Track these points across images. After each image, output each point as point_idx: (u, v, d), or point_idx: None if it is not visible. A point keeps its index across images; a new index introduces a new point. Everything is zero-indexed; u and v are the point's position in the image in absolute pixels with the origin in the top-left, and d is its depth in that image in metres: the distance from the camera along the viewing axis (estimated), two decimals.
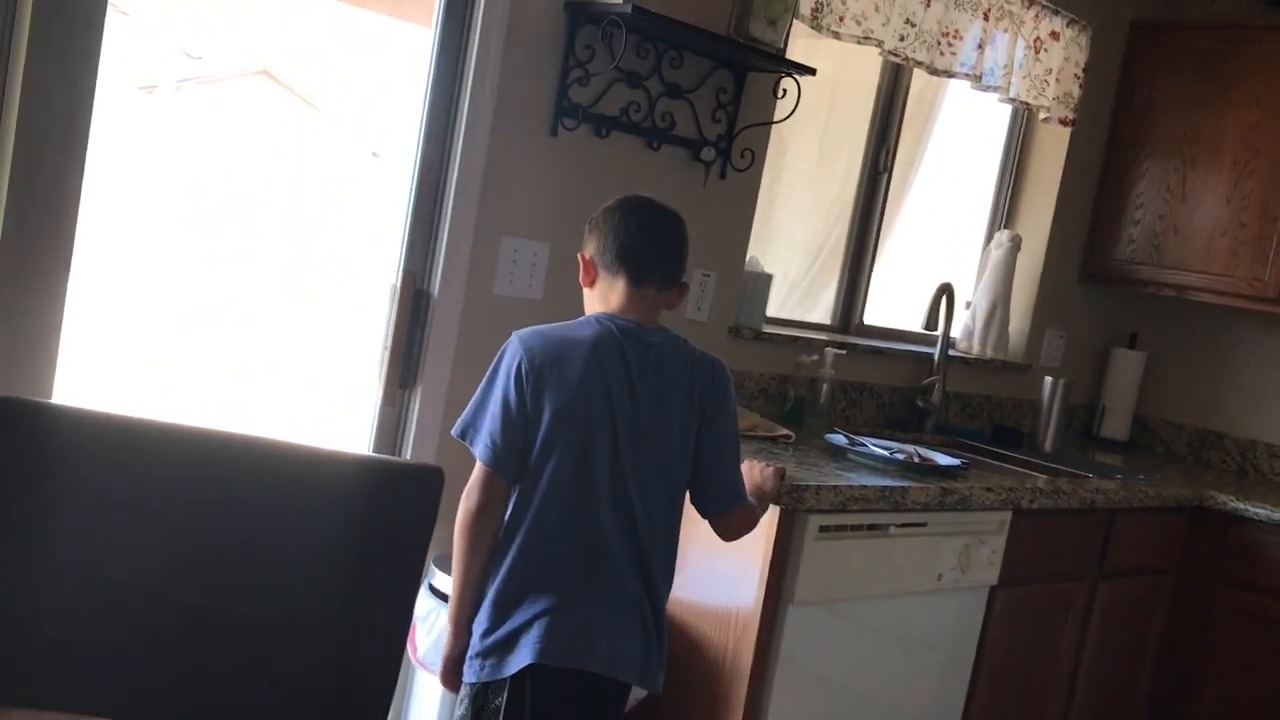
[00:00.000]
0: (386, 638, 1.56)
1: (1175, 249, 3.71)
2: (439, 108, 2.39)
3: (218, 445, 1.59)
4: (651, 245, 1.93)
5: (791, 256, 3.42)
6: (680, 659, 2.34)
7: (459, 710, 1.86)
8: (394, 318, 2.38)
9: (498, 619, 1.82)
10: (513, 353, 1.85)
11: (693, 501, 1.97)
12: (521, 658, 1.78)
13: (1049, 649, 2.97)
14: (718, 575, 2.34)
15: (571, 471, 1.82)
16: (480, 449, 1.84)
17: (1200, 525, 3.28)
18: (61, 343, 1.89)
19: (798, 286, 3.47)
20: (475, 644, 1.84)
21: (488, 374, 1.88)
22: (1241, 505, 3.21)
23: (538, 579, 1.82)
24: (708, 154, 2.76)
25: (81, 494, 1.53)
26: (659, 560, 1.90)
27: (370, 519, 1.55)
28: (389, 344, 2.39)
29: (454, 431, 1.88)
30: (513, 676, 1.77)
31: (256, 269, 2.60)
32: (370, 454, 1.56)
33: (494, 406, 1.84)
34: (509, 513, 1.85)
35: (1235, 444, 3.90)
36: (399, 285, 2.38)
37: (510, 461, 1.82)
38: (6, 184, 1.86)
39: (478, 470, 1.85)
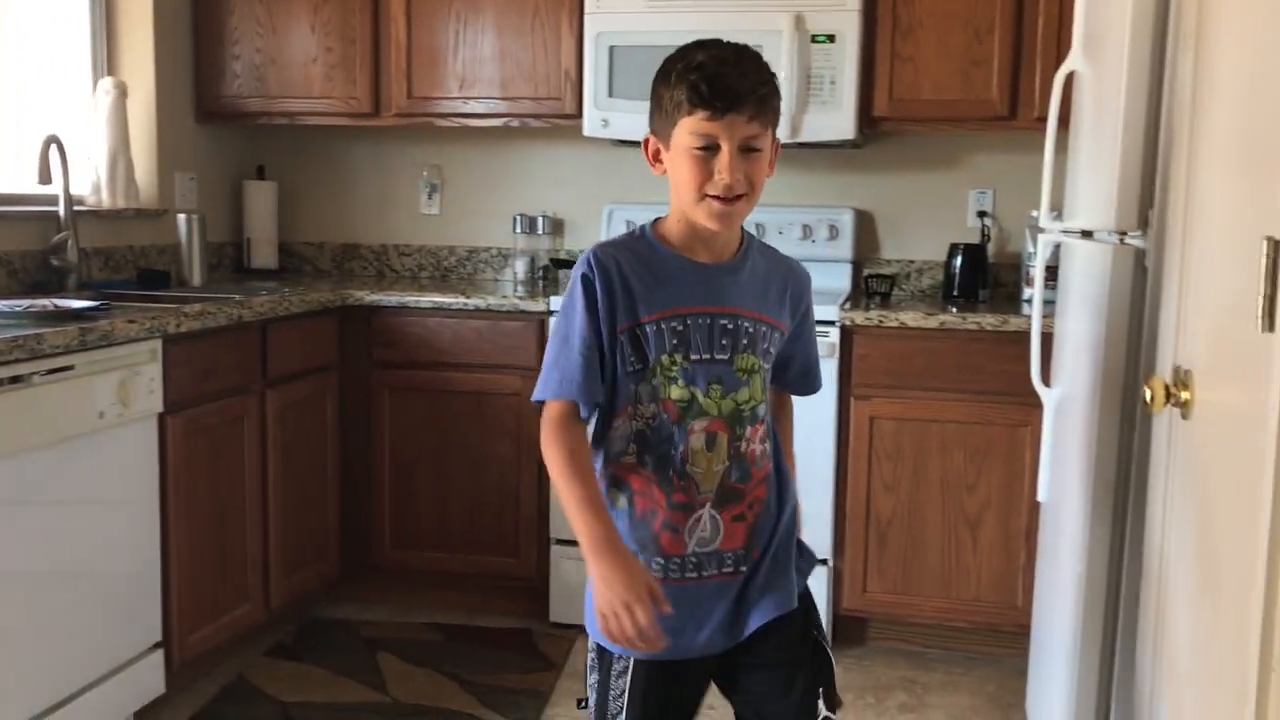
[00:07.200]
0: None
1: (277, 79, 3.95)
2: None
3: None
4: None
5: None
6: None
7: None
8: None
9: None
10: None
11: None
12: None
13: (235, 464, 3.15)
14: None
15: None
16: None
17: (349, 322, 3.66)
18: None
19: None
20: None
21: None
22: (377, 297, 3.63)
23: None
24: None
25: None
26: None
27: None
28: None
29: None
30: None
31: None
32: None
33: None
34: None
35: (370, 250, 4.35)
36: None
37: None
38: None
39: None
